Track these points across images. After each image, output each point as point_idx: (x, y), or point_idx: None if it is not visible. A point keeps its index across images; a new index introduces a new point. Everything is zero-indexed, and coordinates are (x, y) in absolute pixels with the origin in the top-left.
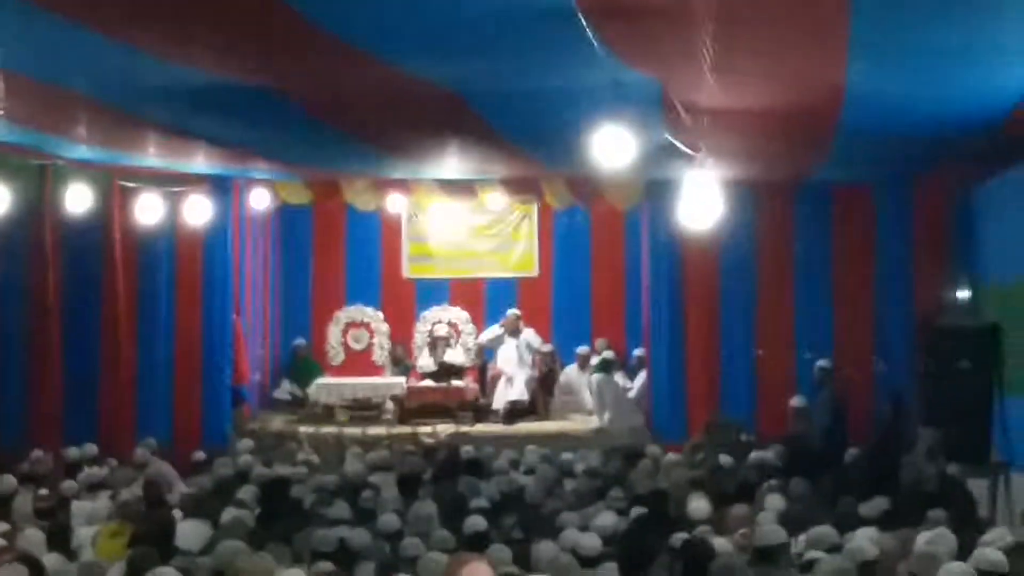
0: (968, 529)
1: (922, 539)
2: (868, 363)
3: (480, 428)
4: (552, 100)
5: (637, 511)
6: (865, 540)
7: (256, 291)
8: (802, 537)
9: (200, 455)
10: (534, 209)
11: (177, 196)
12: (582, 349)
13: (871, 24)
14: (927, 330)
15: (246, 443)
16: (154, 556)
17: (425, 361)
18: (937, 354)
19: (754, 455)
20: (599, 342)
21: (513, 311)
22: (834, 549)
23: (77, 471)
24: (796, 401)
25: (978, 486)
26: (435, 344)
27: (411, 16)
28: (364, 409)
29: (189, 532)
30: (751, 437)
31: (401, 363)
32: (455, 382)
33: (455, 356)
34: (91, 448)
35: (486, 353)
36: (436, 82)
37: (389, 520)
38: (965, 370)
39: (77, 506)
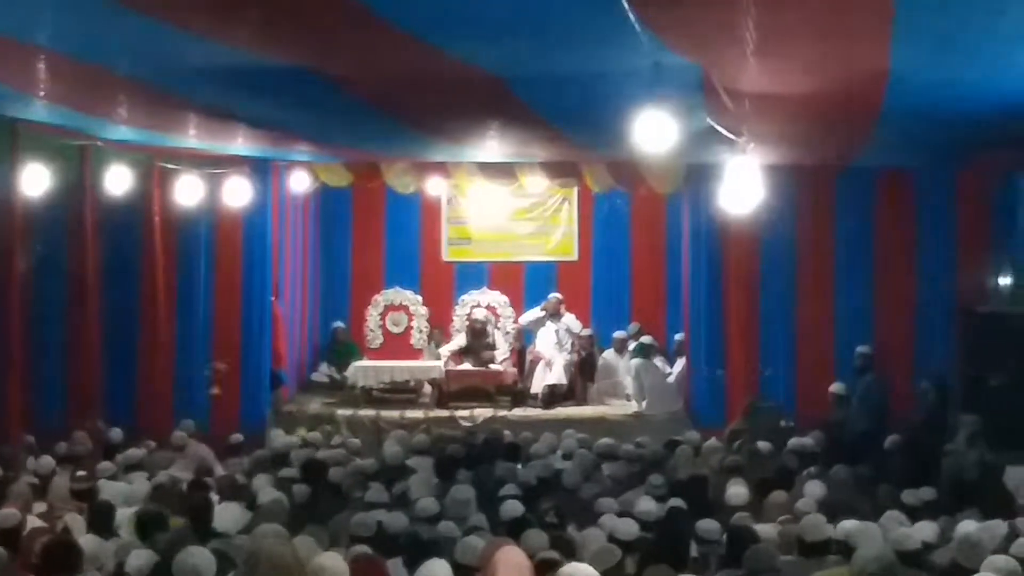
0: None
1: (964, 527)
2: (909, 349)
3: (518, 412)
4: (593, 83)
5: (675, 498)
6: (906, 529)
7: (295, 274)
8: (841, 525)
9: (237, 437)
10: (574, 193)
11: (217, 178)
12: (619, 334)
13: (915, 6)
14: (968, 316)
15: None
16: (189, 538)
17: (450, 351)
18: (978, 341)
19: (793, 441)
20: (631, 326)
21: (555, 295)
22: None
23: (116, 452)
24: (836, 387)
25: (1020, 473)
26: (475, 334)
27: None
28: (402, 392)
29: (226, 514)
30: (791, 423)
31: (439, 347)
32: (493, 366)
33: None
34: (116, 432)
35: (525, 337)
36: (477, 64)
37: (427, 504)
38: (1006, 357)
39: (109, 487)
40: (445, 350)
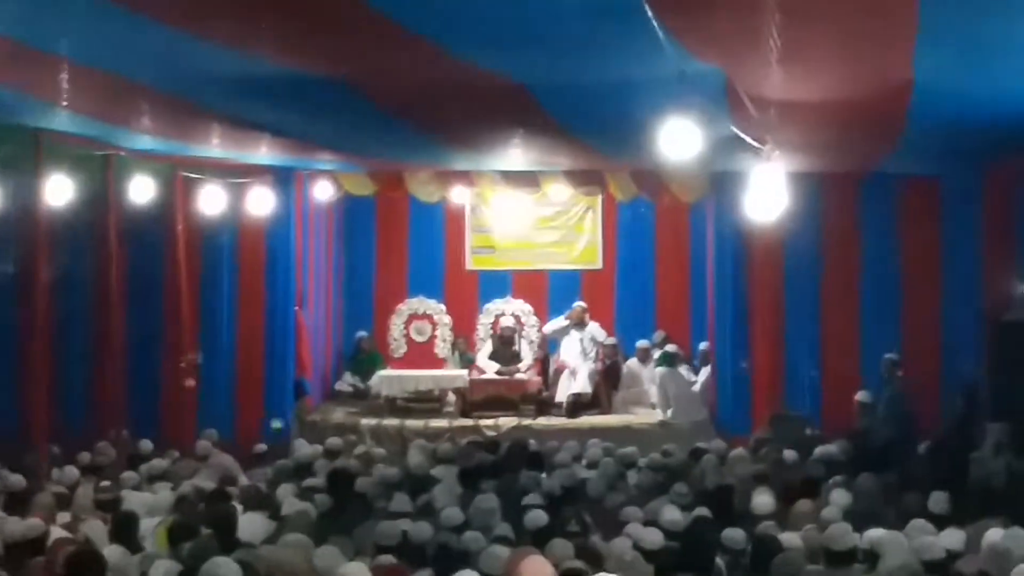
0: None
1: (992, 535)
2: (936, 357)
3: (543, 421)
4: (617, 92)
5: (701, 507)
6: (931, 537)
7: (319, 283)
8: (867, 533)
9: (262, 447)
10: (598, 201)
11: (240, 187)
12: (642, 343)
13: (940, 13)
14: (995, 324)
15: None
16: (213, 548)
17: (485, 362)
18: (1005, 348)
19: (819, 450)
20: (656, 334)
21: (580, 303)
22: (899, 547)
23: (140, 462)
24: (861, 396)
25: None
26: (503, 342)
27: (477, 8)
28: (426, 401)
29: (251, 524)
30: (816, 431)
31: (463, 356)
32: (518, 375)
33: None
34: (146, 444)
35: (549, 345)
36: (502, 74)
37: (451, 513)
38: None
39: (133, 496)
40: (482, 358)
